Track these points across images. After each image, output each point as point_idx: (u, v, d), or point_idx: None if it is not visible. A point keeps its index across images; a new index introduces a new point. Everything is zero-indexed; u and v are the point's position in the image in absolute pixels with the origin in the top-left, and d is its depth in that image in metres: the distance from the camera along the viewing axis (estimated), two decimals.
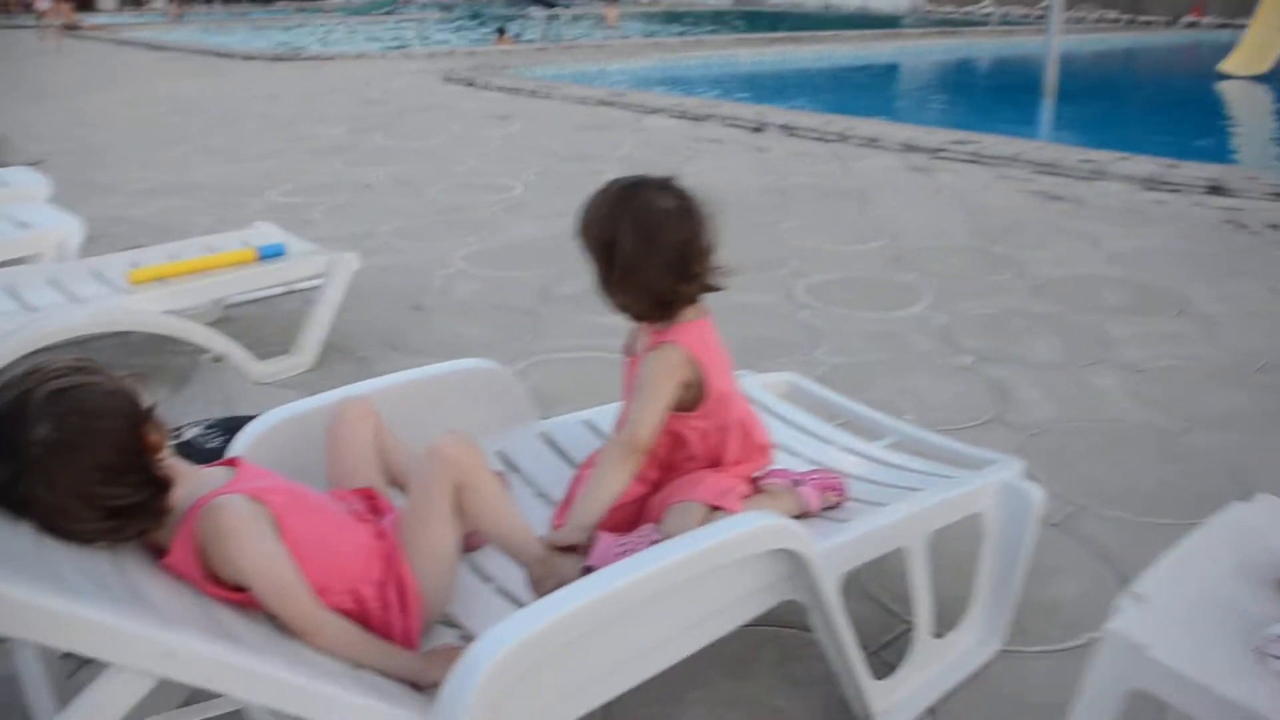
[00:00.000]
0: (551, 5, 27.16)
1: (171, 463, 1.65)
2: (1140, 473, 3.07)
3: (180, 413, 3.35)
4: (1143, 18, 28.50)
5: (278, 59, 18.87)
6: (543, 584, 1.84)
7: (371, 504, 1.96)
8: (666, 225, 1.94)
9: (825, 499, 2.19)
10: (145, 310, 3.55)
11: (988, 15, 31.07)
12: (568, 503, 2.17)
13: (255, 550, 1.60)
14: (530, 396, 2.60)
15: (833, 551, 1.88)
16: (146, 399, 1.63)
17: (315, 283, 4.07)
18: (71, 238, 4.44)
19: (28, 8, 35.93)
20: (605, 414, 2.50)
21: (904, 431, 2.60)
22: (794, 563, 1.80)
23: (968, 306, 4.56)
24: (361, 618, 1.75)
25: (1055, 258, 5.31)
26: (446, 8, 40.17)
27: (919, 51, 20.78)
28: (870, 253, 5.43)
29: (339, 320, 4.12)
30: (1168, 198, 6.58)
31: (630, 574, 1.55)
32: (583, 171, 7.63)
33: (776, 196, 6.75)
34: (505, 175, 7.64)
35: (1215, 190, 6.61)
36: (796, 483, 2.18)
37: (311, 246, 4.22)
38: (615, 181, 2.03)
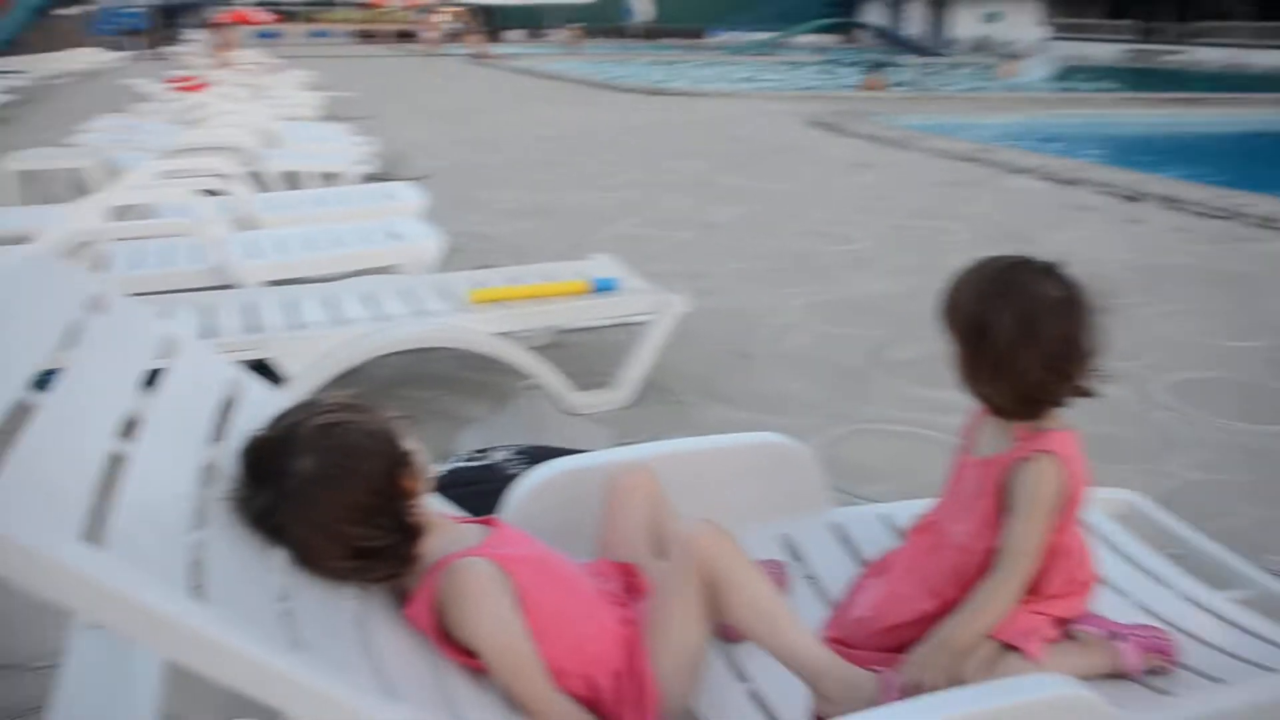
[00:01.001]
0: (926, 53, 26.56)
1: (426, 511, 1.62)
2: None
3: (494, 434, 3.42)
4: None
5: (652, 93, 19.66)
6: (837, 704, 1.61)
7: (630, 582, 1.85)
8: (1051, 317, 1.69)
9: (1148, 661, 1.81)
10: (476, 331, 3.68)
11: None
12: (844, 610, 1.95)
13: (492, 619, 1.53)
14: (839, 469, 2.41)
15: None
16: (408, 443, 1.61)
17: (647, 318, 4.06)
18: (430, 252, 4.72)
19: (452, 39, 39.93)
20: (908, 509, 2.25)
21: (1263, 585, 2.14)
22: None
23: None
24: (593, 706, 1.63)
25: None
26: (820, 50, 40.47)
27: None
28: (1251, 352, 4.72)
29: (663, 358, 4.09)
30: None
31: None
32: (936, 230, 7.28)
33: (1145, 276, 6.07)
34: (854, 226, 7.43)
35: None
36: (1114, 635, 1.82)
37: (644, 284, 4.23)
38: (993, 259, 1.81)
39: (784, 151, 11.57)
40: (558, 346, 4.48)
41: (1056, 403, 1.75)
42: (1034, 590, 1.77)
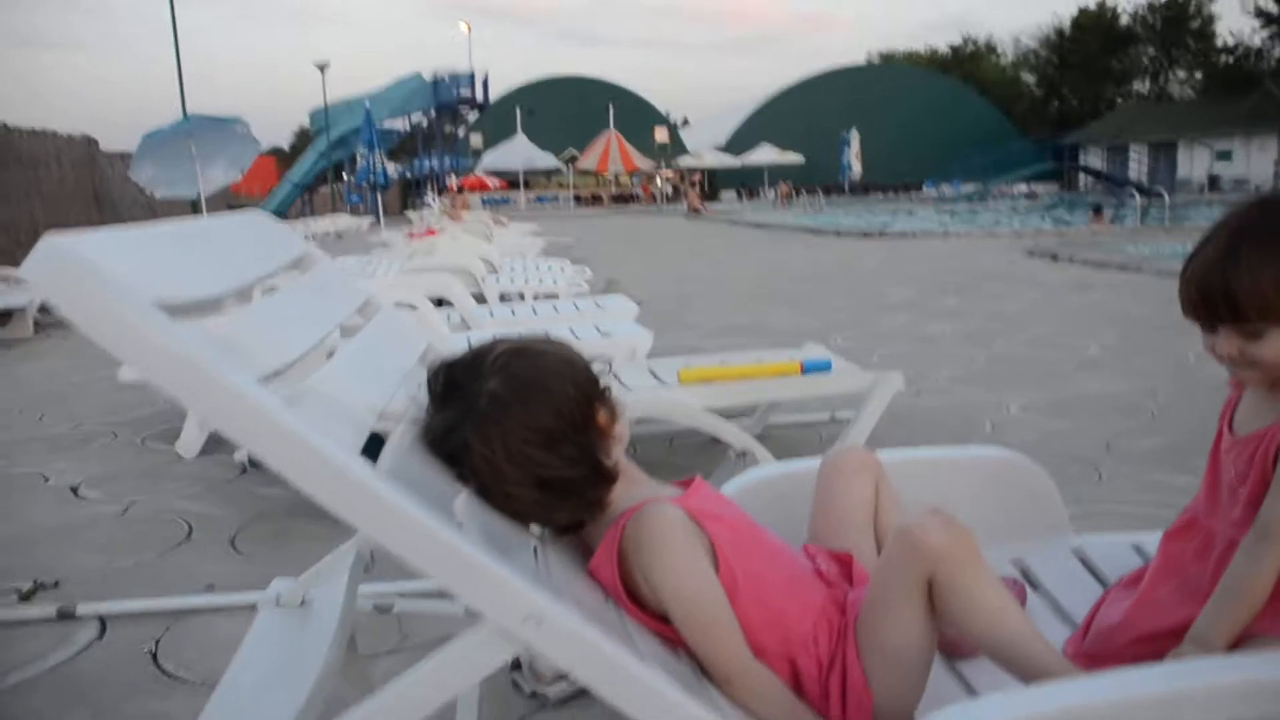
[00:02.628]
0: (1146, 193, 25.73)
1: (621, 458, 1.52)
2: None
3: None
4: None
5: (865, 235, 19.71)
6: None
7: (846, 571, 1.67)
8: None
9: None
10: (685, 402, 3.64)
11: None
12: (1086, 628, 1.73)
13: (682, 567, 1.40)
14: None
15: None
16: (606, 382, 1.54)
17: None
18: (641, 347, 4.77)
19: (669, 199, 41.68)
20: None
21: None
22: None
23: None
24: (796, 696, 1.47)
25: None
26: (1034, 194, 39.73)
27: None
28: None
29: (878, 443, 3.93)
30: None
31: (1201, 676, 1.14)
32: (1171, 339, 6.84)
33: None
34: (1080, 335, 7.09)
35: None
36: None
37: (857, 368, 4.12)
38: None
39: (1002, 278, 11.27)
40: (766, 438, 4.39)
41: None
42: None
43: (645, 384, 3.90)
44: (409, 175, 45.76)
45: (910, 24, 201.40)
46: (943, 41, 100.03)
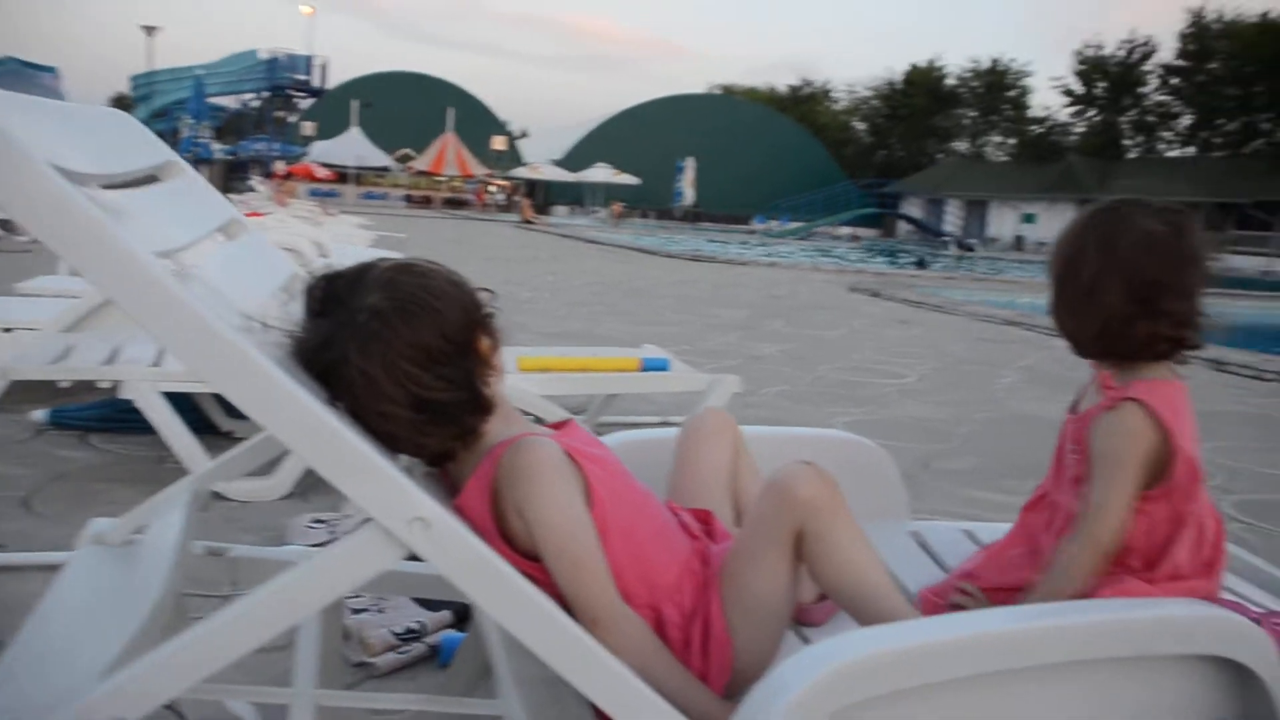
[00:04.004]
0: (961, 246, 27.39)
1: (499, 390, 1.47)
2: None
3: None
4: None
5: (694, 259, 20.03)
6: None
7: (707, 527, 1.66)
8: (1141, 249, 1.57)
9: None
10: (521, 388, 3.57)
11: None
12: (951, 580, 1.80)
13: (558, 499, 1.36)
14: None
15: None
16: (492, 310, 1.48)
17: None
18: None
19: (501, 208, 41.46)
20: (990, 530, 2.10)
21: None
22: (1246, 698, 1.30)
23: None
24: None
25: None
26: (857, 237, 41.41)
27: None
28: None
29: None
30: None
31: (1034, 620, 1.16)
32: (983, 373, 7.20)
33: (1201, 419, 5.95)
34: (899, 365, 7.37)
35: None
36: (1256, 623, 1.63)
37: (695, 370, 4.15)
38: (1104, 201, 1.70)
39: (827, 308, 11.63)
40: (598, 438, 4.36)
41: (1152, 346, 1.60)
42: (1152, 565, 1.59)
43: None
44: (235, 155, 43.86)
45: (752, 61, 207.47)
46: (782, 81, 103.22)
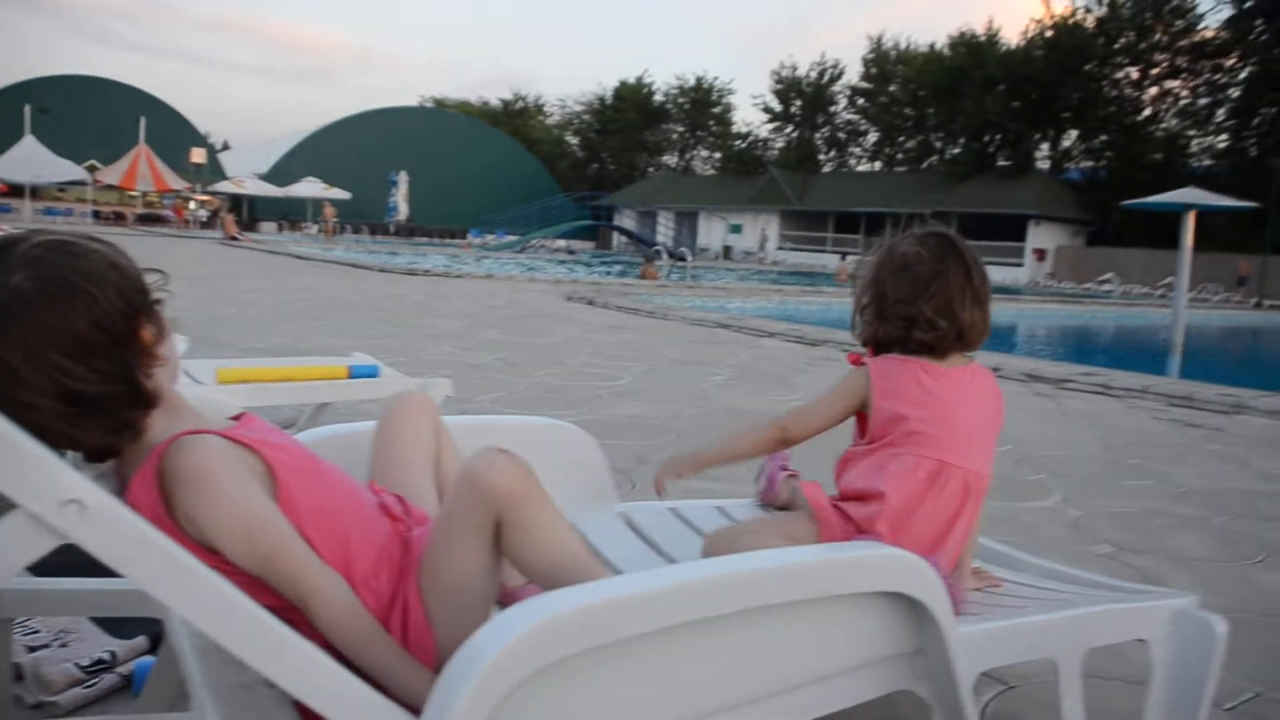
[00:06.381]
0: (673, 256, 28.60)
1: (164, 384, 1.38)
2: None
3: None
4: (1269, 301, 28.36)
5: (410, 273, 19.70)
6: None
7: (407, 508, 1.63)
8: (884, 268, 2.10)
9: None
10: (223, 401, 3.39)
11: (1109, 291, 31.34)
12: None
13: (230, 498, 1.29)
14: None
15: (972, 639, 1.49)
16: (159, 296, 1.39)
17: None
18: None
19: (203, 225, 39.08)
20: (693, 508, 2.19)
21: (1048, 568, 2.20)
22: (920, 627, 1.42)
23: (1103, 504, 4.13)
24: None
25: (1199, 472, 4.86)
26: (571, 251, 42.07)
27: (1040, 315, 20.64)
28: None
29: None
30: None
31: (708, 571, 1.22)
32: (696, 372, 7.49)
33: None
34: (615, 369, 7.54)
35: None
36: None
37: (405, 375, 4.08)
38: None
39: (544, 316, 11.74)
40: None
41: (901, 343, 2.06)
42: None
43: (180, 385, 3.59)
44: None
45: (465, 75, 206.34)
46: (495, 96, 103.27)
